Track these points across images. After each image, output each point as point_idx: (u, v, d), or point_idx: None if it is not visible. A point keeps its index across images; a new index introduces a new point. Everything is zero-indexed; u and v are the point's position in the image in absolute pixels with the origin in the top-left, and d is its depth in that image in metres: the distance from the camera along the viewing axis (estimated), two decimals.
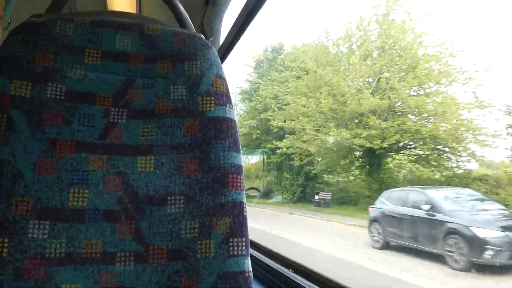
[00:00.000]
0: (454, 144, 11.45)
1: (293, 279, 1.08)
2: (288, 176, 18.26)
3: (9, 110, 0.58)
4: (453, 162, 11.85)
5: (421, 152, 12.65)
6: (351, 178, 15.30)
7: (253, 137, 20.15)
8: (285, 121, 15.94)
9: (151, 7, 2.04)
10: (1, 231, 0.53)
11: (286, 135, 16.11)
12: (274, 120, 16.62)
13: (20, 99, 0.59)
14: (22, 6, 1.35)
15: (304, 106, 15.07)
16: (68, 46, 0.64)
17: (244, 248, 0.61)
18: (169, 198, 0.62)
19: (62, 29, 0.64)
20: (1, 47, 0.62)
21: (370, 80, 13.75)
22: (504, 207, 6.90)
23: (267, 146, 18.36)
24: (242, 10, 1.31)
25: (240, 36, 1.48)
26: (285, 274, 1.11)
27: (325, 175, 16.40)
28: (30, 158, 0.57)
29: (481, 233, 5.69)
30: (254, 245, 1.49)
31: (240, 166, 0.65)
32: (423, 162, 12.69)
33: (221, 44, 1.67)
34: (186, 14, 0.78)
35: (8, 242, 0.53)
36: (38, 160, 0.58)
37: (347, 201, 14.05)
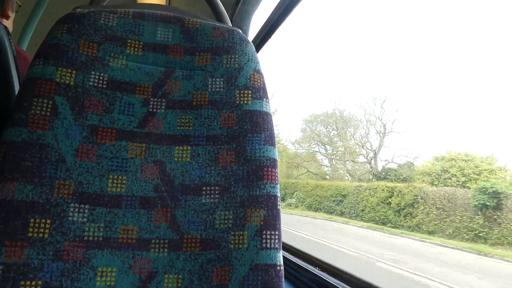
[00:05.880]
0: None
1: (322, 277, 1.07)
2: None
3: (54, 96, 0.59)
4: None
5: None
6: None
7: None
8: None
9: (181, 0, 2.07)
10: (44, 213, 0.54)
11: None
12: None
13: (64, 86, 0.60)
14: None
15: None
16: (111, 37, 0.65)
17: (277, 241, 0.61)
18: (204, 188, 0.62)
19: (106, 20, 0.66)
20: (47, 36, 0.64)
21: None
22: None
23: None
24: (273, 12, 1.32)
25: (268, 39, 1.49)
26: (313, 272, 1.10)
27: None
28: (72, 143, 0.59)
29: None
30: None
31: (275, 160, 0.65)
32: None
33: None
34: (224, 8, 0.79)
35: (50, 224, 0.54)
36: (80, 145, 0.59)
37: None
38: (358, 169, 22.46)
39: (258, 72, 0.70)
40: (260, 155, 0.64)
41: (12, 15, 1.30)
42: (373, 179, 19.42)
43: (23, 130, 0.57)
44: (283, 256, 0.63)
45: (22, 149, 0.56)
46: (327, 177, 22.89)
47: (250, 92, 0.67)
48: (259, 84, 0.69)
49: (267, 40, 1.53)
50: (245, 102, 0.67)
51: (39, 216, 0.54)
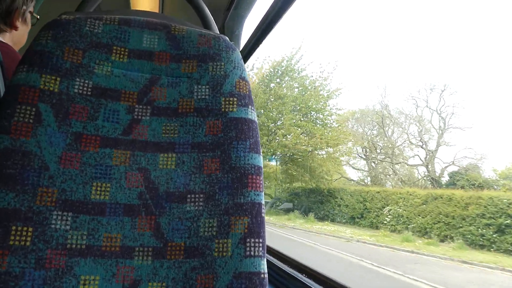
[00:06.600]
0: None
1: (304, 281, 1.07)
2: None
3: (37, 103, 0.59)
4: None
5: None
6: None
7: None
8: None
9: (173, 8, 2.08)
10: (26, 221, 0.54)
11: None
12: None
13: (48, 93, 0.60)
14: (51, 5, 1.39)
15: None
16: (96, 43, 0.65)
17: (260, 249, 0.61)
18: (188, 195, 0.62)
19: (92, 26, 0.66)
20: (32, 42, 0.64)
21: None
22: None
23: None
24: (264, 17, 1.32)
25: (261, 42, 1.49)
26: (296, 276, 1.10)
27: None
28: (55, 150, 0.59)
29: None
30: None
31: (260, 167, 0.65)
32: None
33: (240, 49, 1.68)
34: (211, 15, 0.80)
35: (32, 231, 0.54)
36: (63, 152, 0.59)
37: None
38: (407, 173, 18.88)
39: (244, 79, 0.70)
40: (244, 163, 0.64)
41: (23, 27, 1.21)
42: (433, 186, 15.72)
43: (5, 137, 0.56)
44: (269, 261, 0.63)
45: (4, 157, 0.56)
46: (361, 183, 19.40)
47: (235, 99, 0.67)
48: (244, 91, 0.69)
49: (260, 44, 1.53)
50: (231, 109, 0.67)
51: (21, 224, 0.54)
